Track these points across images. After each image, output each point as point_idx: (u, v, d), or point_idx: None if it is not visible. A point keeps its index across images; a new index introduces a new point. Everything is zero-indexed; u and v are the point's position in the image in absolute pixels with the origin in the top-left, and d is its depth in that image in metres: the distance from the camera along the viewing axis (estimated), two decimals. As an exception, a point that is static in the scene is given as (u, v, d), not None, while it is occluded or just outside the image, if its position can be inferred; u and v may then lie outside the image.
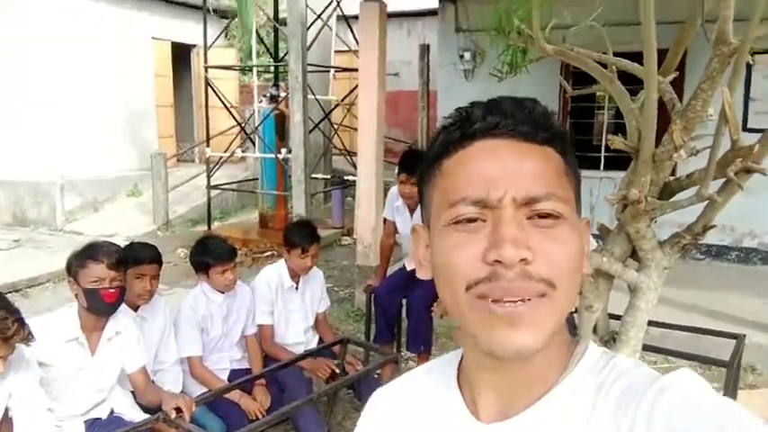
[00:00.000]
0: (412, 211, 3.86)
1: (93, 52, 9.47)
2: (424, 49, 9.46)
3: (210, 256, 2.98)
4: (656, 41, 1.99)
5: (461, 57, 7.07)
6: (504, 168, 0.59)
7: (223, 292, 3.06)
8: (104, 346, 2.44)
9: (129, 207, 9.52)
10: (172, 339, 2.92)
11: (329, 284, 6.24)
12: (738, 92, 5.38)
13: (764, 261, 6.05)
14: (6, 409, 2.04)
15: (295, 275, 3.32)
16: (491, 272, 0.56)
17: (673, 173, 2.58)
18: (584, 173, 3.42)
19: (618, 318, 2.60)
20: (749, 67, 5.44)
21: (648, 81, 2.10)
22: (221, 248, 3.02)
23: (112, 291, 2.34)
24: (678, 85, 2.28)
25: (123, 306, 2.54)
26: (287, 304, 3.35)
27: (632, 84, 2.33)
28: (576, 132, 7.52)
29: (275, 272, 3.34)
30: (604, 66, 2.48)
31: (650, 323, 3.85)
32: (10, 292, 5.81)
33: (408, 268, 4.09)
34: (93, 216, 9.29)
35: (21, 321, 1.92)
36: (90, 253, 2.36)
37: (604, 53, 2.46)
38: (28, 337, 1.95)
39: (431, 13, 9.65)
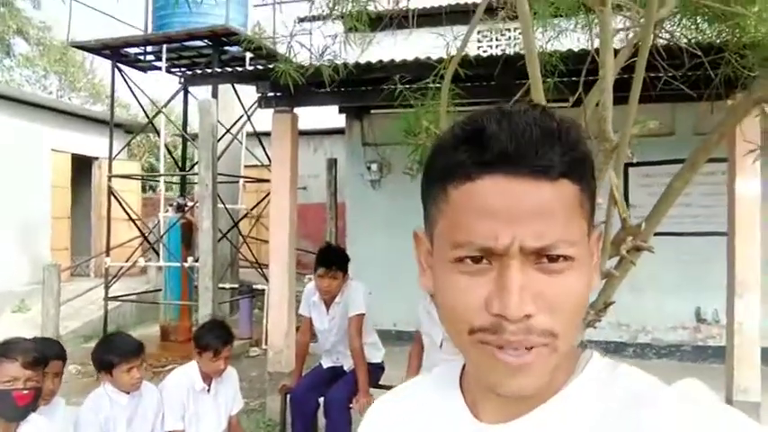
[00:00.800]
0: (328, 306, 3.87)
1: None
2: (332, 163, 9.83)
3: (115, 353, 2.81)
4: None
5: (369, 168, 7.44)
6: (513, 214, 0.55)
7: (128, 393, 2.86)
8: None
9: (15, 323, 8.74)
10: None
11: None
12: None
13: (658, 355, 6.45)
14: None
15: (207, 377, 3.17)
16: (494, 323, 0.56)
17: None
18: None
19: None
20: (626, 175, 6.10)
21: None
22: (127, 344, 2.86)
23: (26, 392, 2.15)
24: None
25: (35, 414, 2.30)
26: (198, 407, 3.16)
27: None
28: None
29: (185, 373, 3.18)
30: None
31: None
32: None
33: (325, 366, 4.02)
34: (-30, 334, 8.42)
35: None
36: (4, 350, 2.20)
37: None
38: None
39: (337, 131, 10.15)
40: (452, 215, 0.59)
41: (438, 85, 3.17)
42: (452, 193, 0.59)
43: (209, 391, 3.18)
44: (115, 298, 8.29)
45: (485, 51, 6.81)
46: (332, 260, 3.71)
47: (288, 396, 3.91)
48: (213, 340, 3.10)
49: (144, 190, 13.69)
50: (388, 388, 3.32)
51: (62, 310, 8.32)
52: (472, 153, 0.57)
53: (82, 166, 11.19)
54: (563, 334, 0.58)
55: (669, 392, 0.59)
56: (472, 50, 5.85)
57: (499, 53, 4.93)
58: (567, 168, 0.57)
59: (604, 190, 2.53)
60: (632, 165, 5.72)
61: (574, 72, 3.54)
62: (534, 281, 0.56)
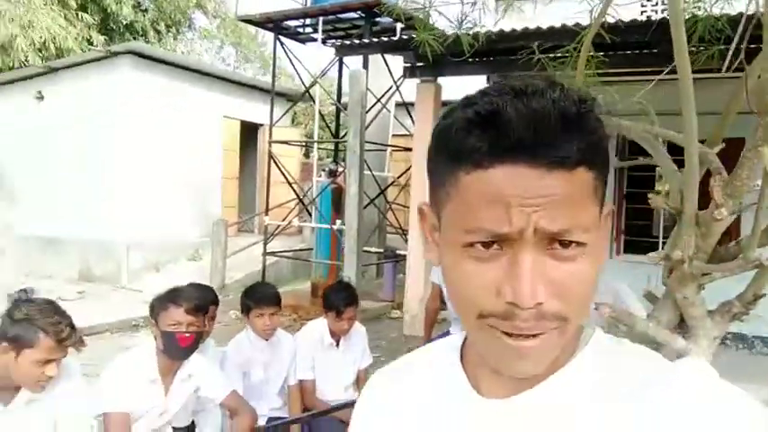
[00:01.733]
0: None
1: (169, 126, 10.18)
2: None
3: (252, 299, 3.08)
4: (694, 113, 2.07)
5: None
6: (528, 202, 0.53)
7: (266, 339, 3.12)
8: (177, 388, 2.53)
9: (189, 270, 9.87)
10: (221, 378, 2.99)
11: (377, 354, 6.22)
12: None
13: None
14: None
15: (334, 334, 3.36)
16: (505, 310, 0.55)
17: (729, 241, 2.57)
18: (642, 257, 3.35)
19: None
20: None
21: (688, 145, 2.16)
22: (263, 293, 3.11)
23: (188, 335, 2.42)
24: (734, 165, 2.32)
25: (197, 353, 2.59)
26: (327, 361, 3.36)
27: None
28: (633, 217, 7.45)
29: (316, 328, 3.38)
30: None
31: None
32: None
33: (453, 333, 4.07)
34: (155, 276, 9.66)
35: (72, 327, 2.04)
36: (171, 297, 2.47)
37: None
38: (80, 342, 2.07)
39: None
40: (463, 200, 0.57)
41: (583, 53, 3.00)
42: (463, 179, 0.56)
43: (337, 346, 3.37)
44: (272, 254, 9.00)
45: (648, 16, 6.27)
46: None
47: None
48: (337, 301, 3.25)
49: (307, 156, 14.56)
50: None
51: (228, 262, 9.25)
52: (487, 139, 0.54)
53: (249, 132, 12.17)
54: (573, 318, 0.57)
55: (674, 368, 0.59)
56: (634, 14, 5.43)
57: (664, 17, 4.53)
58: (584, 156, 0.55)
59: (757, 170, 2.27)
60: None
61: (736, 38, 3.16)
62: (547, 267, 0.55)
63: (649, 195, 2.30)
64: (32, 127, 10.84)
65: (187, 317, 2.41)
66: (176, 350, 2.43)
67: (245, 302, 3.12)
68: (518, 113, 0.53)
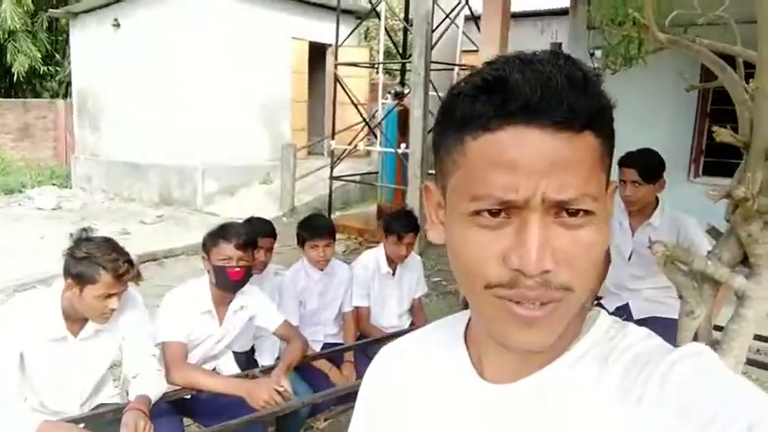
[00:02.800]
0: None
1: (237, 49, 10.24)
2: (555, 48, 9.18)
3: (306, 230, 3.15)
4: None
5: (592, 54, 6.79)
6: (534, 167, 0.53)
7: (321, 270, 3.21)
8: (230, 318, 2.66)
9: (261, 193, 10.20)
10: (273, 309, 3.12)
11: (438, 278, 6.30)
12: None
13: None
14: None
15: (392, 262, 3.40)
16: (511, 278, 0.55)
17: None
18: (724, 180, 3.13)
19: (721, 329, 2.41)
20: None
21: (762, 68, 1.95)
22: (316, 225, 3.16)
23: (238, 269, 2.51)
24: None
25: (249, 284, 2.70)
26: (383, 289, 3.43)
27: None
28: (718, 120, 6.94)
29: (373, 256, 3.44)
30: (727, 60, 2.32)
31: (758, 337, 3.56)
32: (148, 261, 6.48)
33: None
34: (229, 199, 10.06)
35: (130, 262, 2.17)
36: (221, 233, 2.56)
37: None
38: (138, 277, 2.20)
39: (564, 12, 9.36)
40: (469, 167, 0.56)
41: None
42: (470, 145, 0.56)
43: (393, 274, 3.43)
44: (338, 178, 9.10)
45: None
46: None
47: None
48: (398, 226, 3.28)
49: (376, 71, 14.28)
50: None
51: (297, 185, 9.45)
52: (493, 103, 0.54)
53: (318, 53, 12.04)
54: (579, 289, 0.56)
55: (678, 351, 0.58)
56: None
57: None
58: (591, 120, 0.55)
59: None
60: None
61: None
62: (554, 235, 0.54)
63: (713, 128, 2.11)
64: (111, 55, 11.20)
65: (237, 252, 2.49)
66: (227, 283, 2.54)
67: (300, 234, 3.19)
68: (524, 78, 0.53)
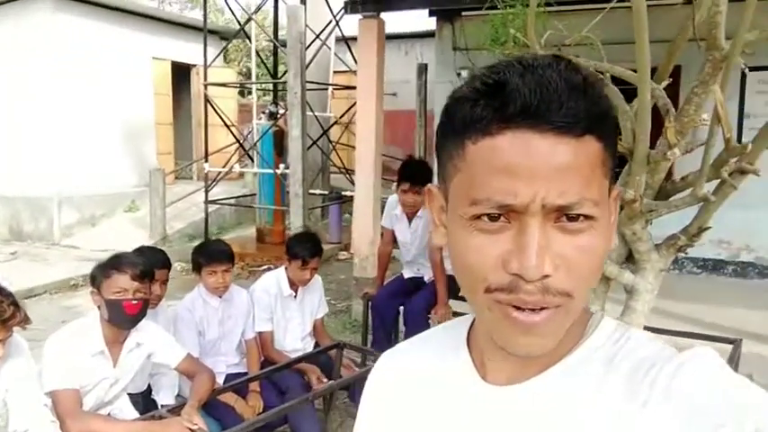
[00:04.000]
0: (410, 220, 3.89)
1: (94, 70, 9.54)
2: (422, 68, 9.57)
3: (204, 256, 3.00)
4: (648, 51, 2.06)
5: (459, 74, 7.17)
6: (534, 171, 0.53)
7: (220, 296, 3.06)
8: (125, 357, 2.44)
9: (126, 222, 9.53)
10: (173, 343, 2.92)
11: (327, 297, 6.25)
12: (733, 107, 5.46)
13: (761, 275, 6.07)
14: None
15: (294, 284, 3.33)
16: (511, 282, 0.54)
17: (669, 177, 2.63)
18: None
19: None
20: (743, 81, 5.54)
21: (641, 84, 2.15)
22: (215, 251, 3.04)
23: (135, 302, 2.32)
24: (674, 93, 2.34)
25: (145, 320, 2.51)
26: (285, 311, 3.35)
27: (629, 95, 2.39)
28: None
29: (274, 279, 3.35)
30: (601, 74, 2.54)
31: (647, 329, 3.88)
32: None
33: (406, 276, 4.11)
34: (90, 231, 9.29)
35: (16, 305, 1.93)
36: (114, 263, 2.36)
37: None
38: (25, 320, 1.95)
39: (428, 34, 9.81)
40: (470, 171, 0.56)
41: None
42: (470, 149, 0.56)
43: (295, 297, 3.34)
44: (214, 201, 8.77)
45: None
46: (416, 175, 3.68)
47: (369, 303, 4.05)
48: (302, 251, 3.22)
49: (243, 95, 14.01)
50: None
51: (168, 212, 8.96)
52: (493, 107, 0.54)
53: (181, 73, 11.56)
54: (578, 295, 0.56)
55: (681, 356, 0.58)
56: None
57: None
58: (591, 124, 0.54)
59: (709, 104, 2.30)
60: (752, 69, 5.18)
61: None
62: (554, 240, 0.54)
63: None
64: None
65: (133, 283, 2.32)
66: (123, 319, 2.34)
67: (196, 260, 3.02)
68: (524, 82, 0.53)
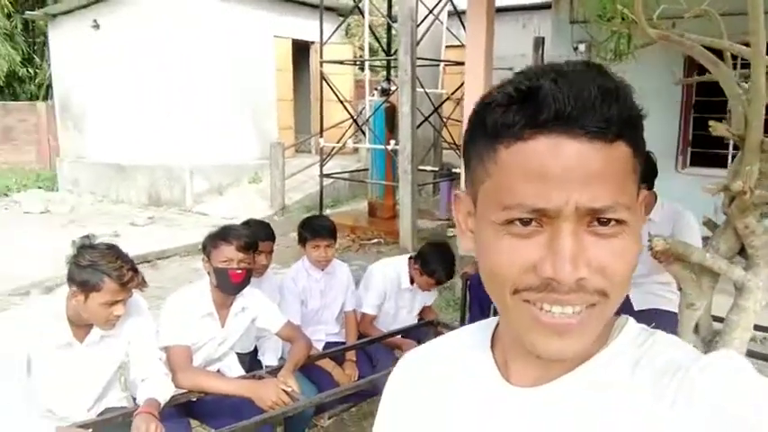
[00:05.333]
0: None
1: (220, 48, 10.17)
2: (539, 42, 9.24)
3: (307, 230, 3.16)
4: (763, 23, 1.89)
5: (575, 48, 6.87)
6: (567, 176, 0.53)
7: (322, 269, 3.22)
8: (232, 320, 2.67)
9: (250, 192, 10.16)
10: (275, 310, 3.13)
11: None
12: None
13: None
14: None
15: (413, 282, 3.38)
16: (543, 284, 0.55)
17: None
18: (710, 171, 3.24)
19: (722, 320, 2.46)
20: None
21: (755, 63, 1.99)
22: (318, 226, 3.17)
23: (239, 271, 2.52)
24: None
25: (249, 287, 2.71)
26: (397, 302, 3.43)
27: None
28: (701, 128, 7.05)
29: (395, 270, 3.40)
30: (715, 52, 2.37)
31: (757, 327, 3.62)
32: (141, 263, 6.44)
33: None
34: (218, 199, 10.02)
35: (135, 270, 2.17)
36: (222, 235, 2.57)
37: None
38: (142, 284, 2.20)
39: (546, 6, 9.42)
40: (502, 176, 0.57)
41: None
42: (502, 153, 0.56)
43: (411, 290, 3.42)
44: (328, 175, 9.09)
45: None
46: None
47: (468, 282, 4.08)
48: (440, 272, 3.22)
49: (362, 70, 14.27)
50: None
51: (287, 183, 9.44)
52: (526, 113, 0.55)
53: (301, 51, 12.00)
54: (614, 296, 0.57)
55: (708, 358, 0.57)
56: None
57: None
58: (623, 129, 0.55)
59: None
60: None
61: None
62: (587, 245, 0.55)
63: (710, 123, 2.15)
64: (91, 56, 11.06)
65: (238, 254, 2.50)
66: (228, 286, 2.54)
67: (301, 233, 3.20)
68: (558, 87, 0.54)
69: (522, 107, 0.55)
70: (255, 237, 2.77)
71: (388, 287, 3.36)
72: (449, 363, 0.73)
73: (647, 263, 3.09)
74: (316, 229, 3.15)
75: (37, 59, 15.41)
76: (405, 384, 0.77)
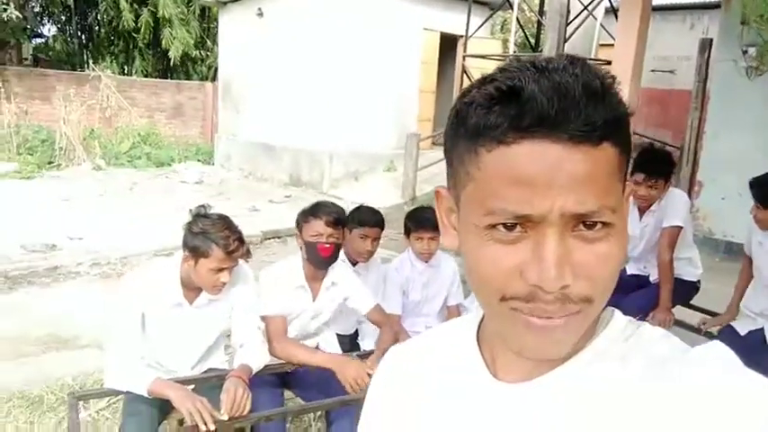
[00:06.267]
0: (642, 214, 3.58)
1: (370, 39, 10.45)
2: (705, 44, 8.45)
3: (412, 221, 3.15)
4: None
5: (745, 52, 6.20)
6: (552, 181, 0.51)
7: (426, 262, 3.21)
8: (323, 294, 2.76)
9: (384, 180, 10.40)
10: (378, 297, 3.18)
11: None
12: None
13: None
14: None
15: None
16: (529, 292, 0.54)
17: None
18: None
19: None
20: None
21: None
22: (422, 218, 3.13)
23: (328, 245, 2.58)
24: None
25: (342, 262, 2.81)
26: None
27: None
28: None
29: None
30: None
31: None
32: (272, 238, 6.86)
33: (629, 272, 3.82)
34: (353, 184, 10.37)
35: (241, 240, 2.30)
36: (313, 210, 2.65)
37: None
38: (247, 254, 2.32)
39: (717, 5, 8.58)
40: (484, 180, 0.55)
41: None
42: (485, 157, 0.54)
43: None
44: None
45: None
46: (654, 167, 3.32)
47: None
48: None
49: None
50: (699, 309, 3.04)
51: (420, 175, 9.53)
52: (508, 115, 0.52)
53: (448, 44, 11.99)
54: (598, 300, 0.56)
55: (696, 351, 0.57)
56: None
57: None
58: (608, 131, 0.53)
59: None
60: None
61: None
62: (572, 249, 0.53)
63: None
64: (253, 42, 11.89)
65: (327, 228, 2.56)
66: (318, 259, 2.62)
67: (406, 224, 3.21)
68: (540, 87, 0.52)
69: (503, 108, 0.53)
70: (361, 223, 2.83)
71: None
72: (436, 358, 0.72)
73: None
74: (419, 221, 3.13)
75: (209, 43, 16.88)
76: (391, 379, 0.76)
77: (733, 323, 3.16)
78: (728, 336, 3.09)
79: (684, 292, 3.56)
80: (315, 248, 2.59)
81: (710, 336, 3.32)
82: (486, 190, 0.54)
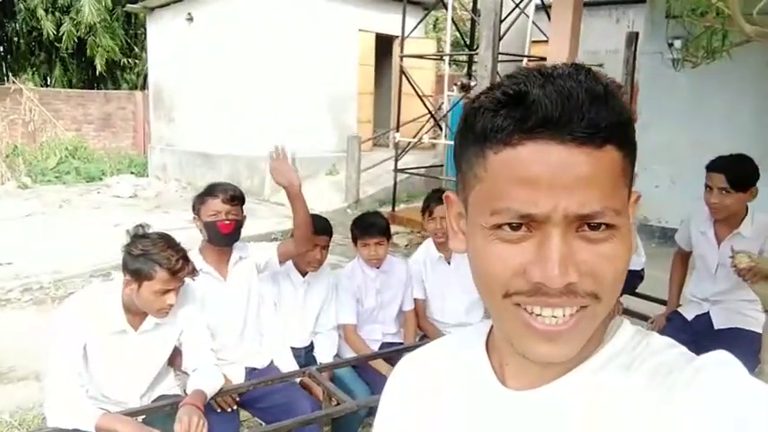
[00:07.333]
0: None
1: (305, 42, 10.33)
2: (632, 38, 8.76)
3: (358, 228, 3.10)
4: None
5: (670, 45, 6.44)
6: (555, 182, 0.53)
7: (377, 267, 3.15)
8: (232, 270, 2.70)
9: (327, 184, 10.29)
10: (332, 306, 3.10)
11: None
12: None
13: None
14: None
15: (444, 249, 3.23)
16: (533, 288, 0.55)
17: None
18: None
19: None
20: None
21: None
22: (368, 224, 3.09)
23: (228, 222, 2.56)
24: None
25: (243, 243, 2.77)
26: (439, 277, 3.29)
27: None
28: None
29: (423, 247, 3.37)
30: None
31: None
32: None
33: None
34: (294, 191, 10.19)
35: (185, 258, 2.19)
36: (209, 190, 2.64)
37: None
38: (193, 272, 2.22)
39: (642, 0, 8.91)
40: (491, 181, 0.57)
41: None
42: (491, 159, 0.56)
43: (449, 262, 3.28)
44: (403, 170, 9.05)
45: None
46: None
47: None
48: (425, 201, 3.24)
49: (450, 65, 14.10)
50: (645, 297, 3.04)
51: (363, 177, 9.48)
52: (514, 118, 0.54)
53: (384, 45, 12.00)
54: (605, 298, 0.57)
55: (702, 359, 0.57)
56: None
57: None
58: (612, 134, 0.54)
59: None
60: None
61: None
62: (576, 250, 0.55)
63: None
64: (184, 48, 11.55)
65: (224, 206, 2.55)
66: (219, 237, 2.58)
67: (353, 231, 3.15)
68: (545, 92, 0.54)
69: (509, 112, 0.55)
70: (314, 230, 2.77)
71: (422, 265, 3.29)
72: (445, 366, 0.73)
73: (730, 279, 2.83)
74: (365, 228, 3.09)
75: (137, 50, 16.29)
76: (402, 388, 0.77)
77: (680, 309, 3.24)
78: (677, 321, 3.17)
79: (630, 280, 3.64)
80: (215, 226, 2.55)
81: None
82: (493, 190, 0.56)
